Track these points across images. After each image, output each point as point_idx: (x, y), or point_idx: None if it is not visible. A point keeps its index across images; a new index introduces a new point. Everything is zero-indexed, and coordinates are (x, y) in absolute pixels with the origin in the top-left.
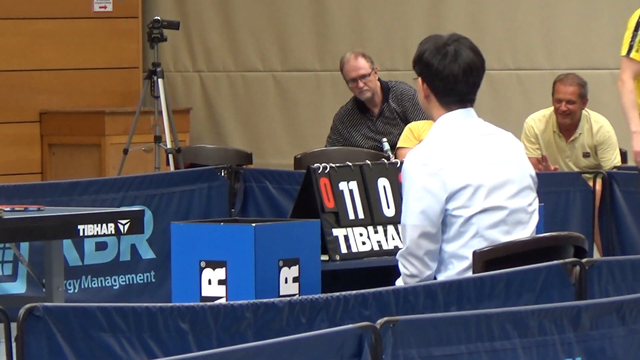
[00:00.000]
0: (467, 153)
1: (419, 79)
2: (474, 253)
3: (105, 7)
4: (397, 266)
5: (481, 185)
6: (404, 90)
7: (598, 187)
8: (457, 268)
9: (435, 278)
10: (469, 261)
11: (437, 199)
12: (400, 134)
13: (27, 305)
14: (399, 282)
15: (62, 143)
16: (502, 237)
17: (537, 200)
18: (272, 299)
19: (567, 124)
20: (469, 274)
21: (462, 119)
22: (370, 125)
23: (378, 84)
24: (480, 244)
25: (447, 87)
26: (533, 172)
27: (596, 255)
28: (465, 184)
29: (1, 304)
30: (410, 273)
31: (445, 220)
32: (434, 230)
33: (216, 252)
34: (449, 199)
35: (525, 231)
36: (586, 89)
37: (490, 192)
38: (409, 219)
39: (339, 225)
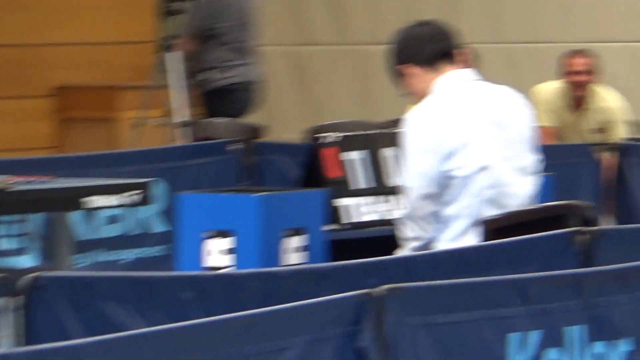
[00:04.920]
0: (464, 112)
1: (405, 69)
2: (484, 221)
3: None
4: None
5: (478, 144)
6: None
7: (609, 158)
8: (457, 228)
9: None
10: (467, 220)
11: (436, 158)
12: None
13: (32, 275)
14: (399, 252)
15: (77, 117)
16: (499, 197)
17: (537, 162)
18: (276, 268)
19: (581, 96)
20: (470, 234)
21: (457, 79)
22: None
23: None
24: (480, 204)
25: (421, 45)
26: (535, 133)
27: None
28: (461, 142)
29: (11, 277)
30: (414, 235)
31: (444, 181)
32: (435, 191)
33: (221, 222)
34: (446, 158)
35: (524, 192)
36: (596, 61)
37: (487, 151)
38: (410, 180)
39: (346, 194)
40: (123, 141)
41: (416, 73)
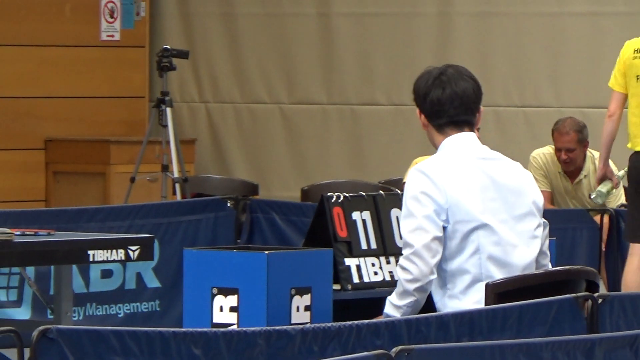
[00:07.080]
0: (467, 172)
1: (417, 111)
2: (487, 285)
3: (112, 36)
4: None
5: (480, 202)
6: None
7: (605, 224)
8: (459, 285)
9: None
10: (470, 276)
11: (439, 204)
12: None
13: (41, 327)
14: (388, 310)
15: (67, 171)
16: (502, 256)
17: (541, 228)
18: (284, 327)
19: (570, 170)
20: (473, 292)
21: (462, 142)
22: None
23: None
24: (480, 262)
25: (434, 109)
26: (539, 199)
27: (602, 291)
28: (464, 197)
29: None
30: (413, 277)
31: (446, 235)
32: (438, 234)
33: (228, 279)
34: (449, 210)
35: (526, 255)
36: (585, 132)
37: (489, 210)
38: (415, 222)
39: (352, 254)
40: (111, 195)
41: (428, 124)
